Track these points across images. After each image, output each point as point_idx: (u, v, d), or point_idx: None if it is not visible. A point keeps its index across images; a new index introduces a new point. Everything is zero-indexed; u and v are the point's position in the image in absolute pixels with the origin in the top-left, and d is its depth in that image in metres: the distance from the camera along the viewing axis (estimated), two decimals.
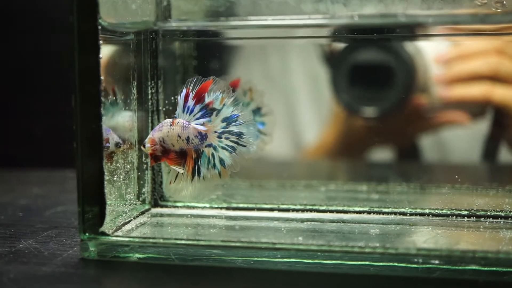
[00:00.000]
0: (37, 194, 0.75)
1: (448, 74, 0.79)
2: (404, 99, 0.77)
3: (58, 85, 0.81)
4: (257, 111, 0.59)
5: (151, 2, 0.60)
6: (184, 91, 0.51)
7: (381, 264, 0.49)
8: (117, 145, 0.54)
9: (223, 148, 0.52)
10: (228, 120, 0.51)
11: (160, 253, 0.52)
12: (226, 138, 0.51)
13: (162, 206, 0.61)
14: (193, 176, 0.53)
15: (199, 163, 0.52)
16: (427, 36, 0.70)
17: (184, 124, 0.51)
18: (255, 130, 0.57)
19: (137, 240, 0.51)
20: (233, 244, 0.50)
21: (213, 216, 0.59)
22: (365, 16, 0.59)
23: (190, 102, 0.51)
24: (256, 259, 0.50)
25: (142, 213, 0.59)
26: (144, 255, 0.52)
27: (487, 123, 0.77)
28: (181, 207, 0.62)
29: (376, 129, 0.79)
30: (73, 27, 0.49)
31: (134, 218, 0.57)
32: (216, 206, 0.61)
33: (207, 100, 0.51)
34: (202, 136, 0.51)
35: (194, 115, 0.51)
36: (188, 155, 0.52)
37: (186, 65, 0.66)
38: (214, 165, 0.52)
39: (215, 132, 0.51)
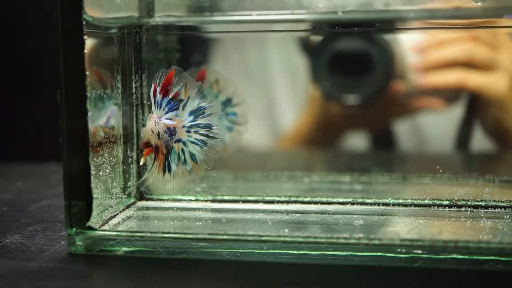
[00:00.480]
0: (21, 188, 0.75)
1: (423, 61, 0.80)
2: (383, 87, 0.78)
3: (44, 80, 0.81)
4: (227, 102, 0.59)
5: None
6: (153, 86, 0.51)
7: (365, 254, 0.50)
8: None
9: (192, 142, 0.51)
10: (195, 113, 0.51)
11: (146, 246, 0.52)
12: (195, 132, 0.51)
13: (147, 199, 0.61)
14: (164, 172, 0.53)
15: (169, 159, 0.52)
16: (407, 29, 0.71)
17: (156, 120, 0.51)
18: (224, 121, 0.57)
19: (124, 234, 0.52)
20: (220, 237, 0.50)
21: (199, 209, 0.59)
22: (348, 11, 0.60)
23: (158, 97, 0.51)
24: (242, 251, 0.51)
25: (128, 206, 0.59)
26: (131, 249, 0.52)
27: (462, 109, 0.79)
28: (166, 200, 0.62)
29: (352, 116, 0.81)
30: (57, 22, 0.49)
31: (120, 212, 0.57)
32: (201, 198, 0.61)
33: (173, 92, 0.51)
34: (171, 131, 0.51)
35: (163, 110, 0.51)
36: (160, 151, 0.52)
37: (170, 58, 0.66)
38: (185, 161, 0.52)
39: (184, 126, 0.51)
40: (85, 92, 0.50)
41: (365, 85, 0.78)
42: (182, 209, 0.59)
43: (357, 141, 0.85)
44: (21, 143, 0.96)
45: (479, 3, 0.58)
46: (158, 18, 0.61)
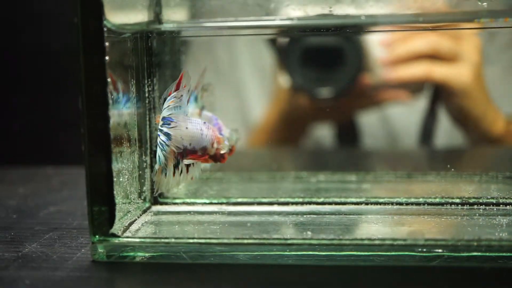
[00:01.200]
0: (25, 194, 0.74)
1: (390, 55, 0.82)
2: (355, 80, 0.80)
3: (42, 81, 0.80)
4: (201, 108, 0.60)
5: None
6: None
7: (386, 253, 0.51)
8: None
9: (157, 145, 0.52)
10: (163, 120, 0.52)
11: (165, 251, 0.52)
12: (158, 136, 0.52)
13: (161, 204, 0.61)
14: None
15: None
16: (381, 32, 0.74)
17: None
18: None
19: (148, 240, 0.51)
20: (245, 241, 0.51)
21: (215, 213, 0.59)
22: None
23: None
24: (263, 253, 0.51)
25: (144, 211, 0.59)
26: (151, 254, 0.52)
27: (428, 100, 0.82)
28: (180, 203, 0.62)
29: (321, 108, 0.82)
30: (77, 28, 0.49)
31: (138, 217, 0.57)
32: (215, 201, 0.61)
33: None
34: None
35: None
36: None
37: (175, 60, 0.66)
38: (159, 159, 0.53)
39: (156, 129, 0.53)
40: (107, 97, 0.49)
41: (335, 79, 0.80)
42: (198, 213, 0.59)
43: (323, 133, 0.87)
44: (16, 146, 0.94)
45: (484, 4, 0.59)
46: (170, 24, 0.61)
